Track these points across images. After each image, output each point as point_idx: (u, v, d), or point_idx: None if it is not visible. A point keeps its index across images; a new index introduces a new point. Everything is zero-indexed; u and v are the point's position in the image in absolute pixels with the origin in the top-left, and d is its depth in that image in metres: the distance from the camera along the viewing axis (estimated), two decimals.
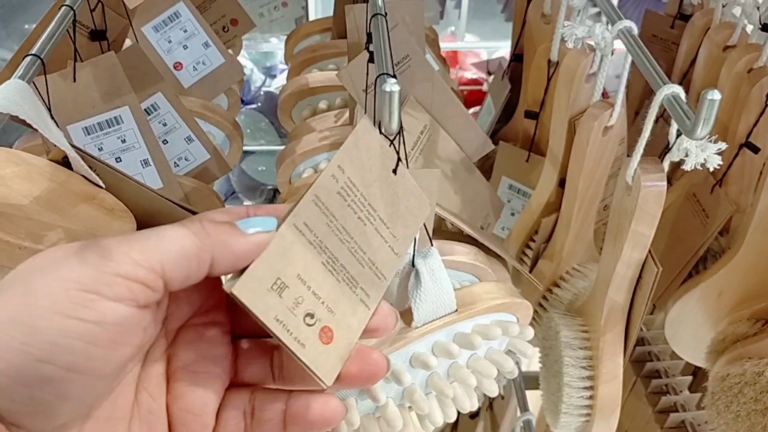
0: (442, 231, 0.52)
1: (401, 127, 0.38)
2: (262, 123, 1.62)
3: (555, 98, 0.64)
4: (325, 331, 0.33)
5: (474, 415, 0.95)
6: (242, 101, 1.64)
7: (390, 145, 0.39)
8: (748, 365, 0.55)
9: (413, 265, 0.42)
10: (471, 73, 1.75)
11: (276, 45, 1.59)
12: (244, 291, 0.30)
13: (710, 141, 0.44)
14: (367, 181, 0.35)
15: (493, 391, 0.45)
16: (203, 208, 0.56)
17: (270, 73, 1.77)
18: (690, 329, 0.66)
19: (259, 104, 1.66)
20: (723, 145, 0.44)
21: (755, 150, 0.63)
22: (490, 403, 0.90)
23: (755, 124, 0.62)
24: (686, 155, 0.45)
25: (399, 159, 0.38)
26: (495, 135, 0.89)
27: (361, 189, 0.34)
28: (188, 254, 0.28)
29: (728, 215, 0.65)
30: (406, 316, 0.43)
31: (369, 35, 0.57)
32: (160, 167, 0.57)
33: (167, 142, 0.62)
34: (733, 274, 0.62)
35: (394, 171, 0.37)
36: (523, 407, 0.77)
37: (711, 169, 0.44)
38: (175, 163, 0.63)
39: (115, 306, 0.26)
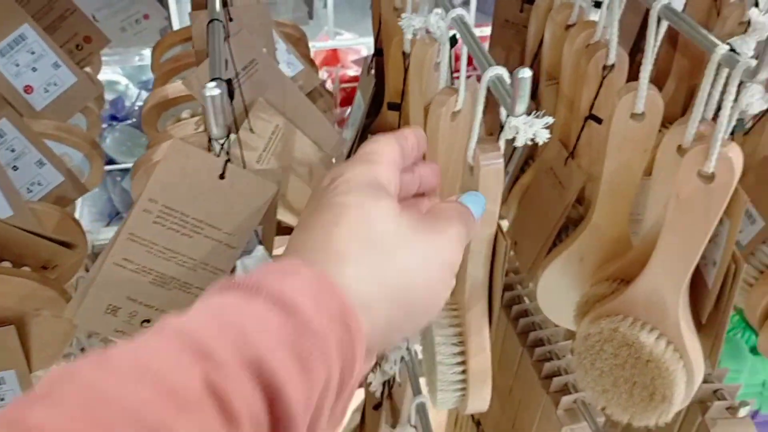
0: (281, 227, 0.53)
1: (228, 132, 0.39)
2: (142, 138, 1.57)
3: (410, 88, 0.66)
4: None
5: (377, 406, 0.97)
6: (117, 118, 1.59)
7: (221, 150, 0.40)
8: (605, 323, 0.58)
9: None
10: (353, 71, 1.77)
11: (150, 58, 1.55)
12: (83, 320, 0.40)
13: (537, 117, 0.47)
14: (187, 198, 0.40)
15: None
16: (59, 232, 0.55)
17: (147, 87, 1.73)
18: (559, 296, 0.69)
19: (135, 119, 1.61)
20: (549, 120, 0.46)
21: (599, 121, 0.67)
22: (389, 392, 0.92)
23: (596, 97, 0.66)
24: (517, 132, 0.47)
25: (227, 161, 0.39)
26: (366, 129, 0.90)
27: (180, 209, 0.40)
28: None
29: (581, 185, 0.69)
30: None
31: None
32: (8, 194, 0.55)
33: (17, 168, 0.60)
34: (590, 239, 0.66)
35: (222, 176, 0.39)
36: (417, 391, 0.79)
37: (540, 143, 0.47)
38: (28, 188, 0.61)
39: None
